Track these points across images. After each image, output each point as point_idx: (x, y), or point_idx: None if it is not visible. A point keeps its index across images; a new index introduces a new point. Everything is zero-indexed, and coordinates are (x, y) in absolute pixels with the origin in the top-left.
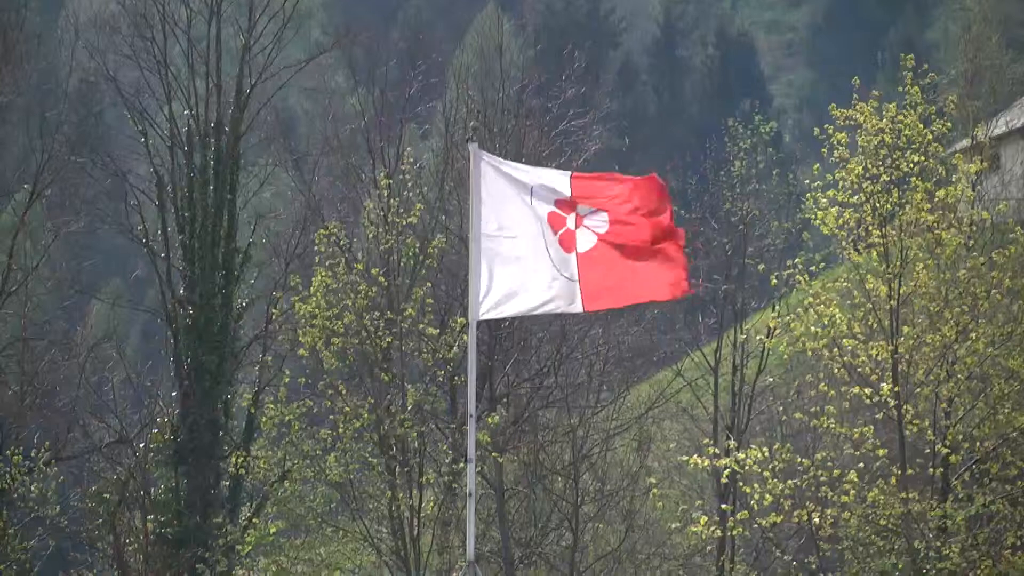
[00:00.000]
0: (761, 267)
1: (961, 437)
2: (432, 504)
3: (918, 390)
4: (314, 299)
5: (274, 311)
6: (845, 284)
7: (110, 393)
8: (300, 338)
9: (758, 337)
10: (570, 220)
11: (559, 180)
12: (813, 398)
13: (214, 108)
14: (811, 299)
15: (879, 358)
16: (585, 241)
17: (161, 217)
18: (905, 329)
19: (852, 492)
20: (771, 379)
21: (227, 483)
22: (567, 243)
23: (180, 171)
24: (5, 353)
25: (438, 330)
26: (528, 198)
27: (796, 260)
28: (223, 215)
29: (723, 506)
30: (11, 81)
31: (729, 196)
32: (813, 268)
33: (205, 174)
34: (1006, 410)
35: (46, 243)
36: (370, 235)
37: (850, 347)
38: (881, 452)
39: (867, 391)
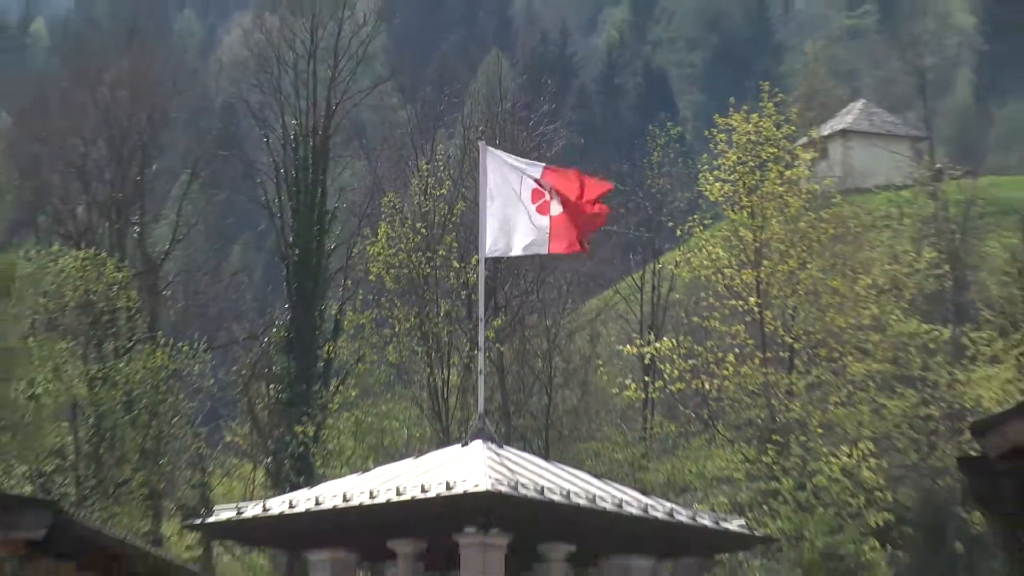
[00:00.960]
0: (670, 223)
1: (801, 332)
2: (456, 377)
3: (774, 301)
4: (379, 243)
5: (352, 251)
6: (726, 233)
7: (244, 305)
8: (370, 268)
9: (669, 267)
10: (546, 194)
11: (537, 168)
12: (705, 307)
13: (311, 118)
14: (704, 242)
15: (747, 281)
16: (554, 209)
17: (277, 190)
18: (765, 262)
19: (731, 368)
20: (678, 295)
21: (322, 364)
22: (543, 209)
23: (289, 160)
24: (175, 280)
25: (460, 264)
26: (519, 178)
27: (694, 217)
28: (318, 188)
29: (646, 378)
30: (178, 103)
31: (650, 175)
32: (705, 223)
33: (306, 162)
34: (831, 314)
35: (201, 207)
36: (415, 201)
37: (728, 273)
38: (750, 342)
39: (740, 302)
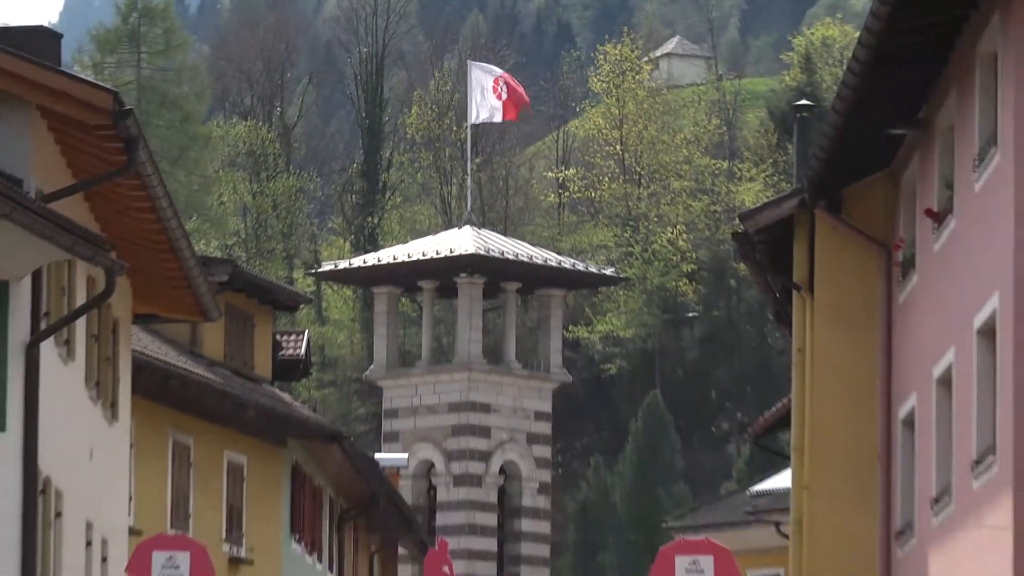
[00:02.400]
0: (573, 104)
1: (645, 164)
2: (455, 191)
3: (629, 147)
4: (412, 116)
5: (398, 121)
6: (603, 109)
7: (338, 151)
8: (407, 131)
9: (573, 128)
10: (500, 87)
11: (496, 72)
12: (592, 151)
13: (376, 46)
14: (591, 115)
15: (614, 135)
16: (503, 96)
17: (356, 90)
18: (624, 125)
19: (606, 183)
20: (576, 144)
21: (381, 183)
22: (498, 96)
23: (364, 70)
24: (299, 139)
25: (456, 128)
26: (488, 77)
27: (585, 102)
28: (379, 88)
29: (559, 190)
30: (301, 40)
31: (562, 77)
32: (592, 105)
33: (372, 73)
34: (661, 154)
35: (313, 99)
36: (431, 93)
37: (604, 132)
38: (616, 170)
39: (609, 147)
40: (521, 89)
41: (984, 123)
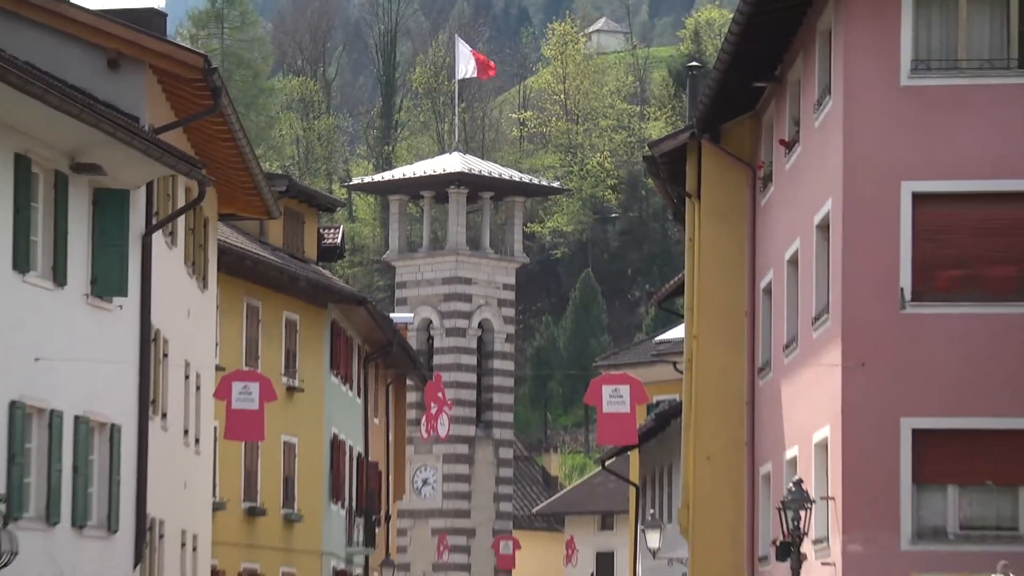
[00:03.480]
0: (531, 65)
1: (581, 108)
2: (449, 127)
3: (571, 95)
4: (416, 73)
5: (407, 78)
6: (551, 71)
7: (366, 95)
8: (414, 84)
9: (531, 84)
10: (471, 53)
11: (469, 48)
12: (545, 99)
13: (390, 22)
14: (543, 75)
15: (556, 88)
16: (477, 58)
17: (377, 55)
18: (565, 82)
19: (553, 122)
20: (533, 93)
21: (396, 118)
22: (478, 58)
23: (381, 41)
24: (336, 92)
25: (448, 81)
26: (467, 49)
27: (539, 63)
28: (392, 54)
29: (521, 127)
30: (334, 13)
31: (523, 46)
32: (543, 67)
33: (387, 44)
34: (593, 101)
35: (347, 59)
36: (430, 57)
37: (552, 86)
38: (561, 113)
39: (554, 96)
40: (489, 62)
41: (821, 79)
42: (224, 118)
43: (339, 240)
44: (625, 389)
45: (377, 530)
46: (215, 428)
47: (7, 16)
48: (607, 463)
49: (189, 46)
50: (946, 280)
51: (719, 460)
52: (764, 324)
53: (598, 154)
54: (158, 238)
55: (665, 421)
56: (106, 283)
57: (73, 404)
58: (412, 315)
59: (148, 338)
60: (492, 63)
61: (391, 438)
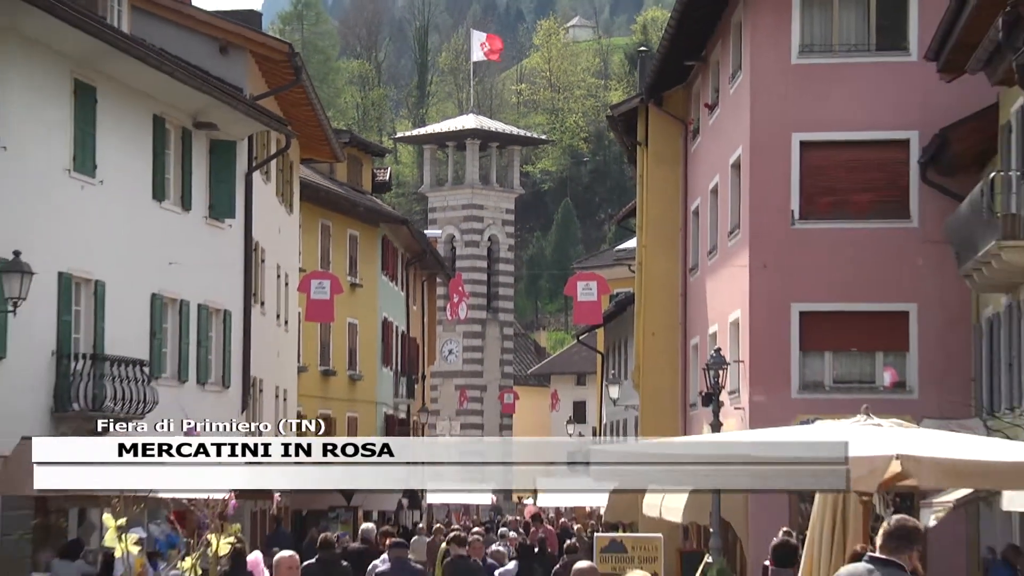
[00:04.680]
0: (527, 51)
1: (563, 82)
2: (467, 95)
3: (553, 72)
4: (443, 57)
5: (436, 61)
6: (539, 55)
7: (407, 72)
8: (440, 65)
9: (525, 63)
10: (484, 44)
11: (483, 35)
12: (536, 75)
13: (423, 19)
14: (535, 58)
15: (543, 67)
16: (486, 46)
17: (415, 44)
18: (550, 62)
19: (548, 89)
20: (529, 70)
21: (429, 89)
22: (489, 43)
23: (415, 36)
24: (386, 73)
25: (467, 62)
26: (479, 37)
27: (531, 49)
28: (427, 43)
29: (519, 89)
30: (382, 15)
31: (518, 35)
32: (533, 53)
33: (421, 38)
34: (574, 78)
35: (391, 48)
36: (452, 44)
37: (540, 66)
38: (548, 84)
39: (540, 74)
40: (496, 46)
41: (735, 59)
42: (303, 89)
43: (387, 178)
44: (594, 284)
45: (416, 386)
46: (299, 313)
47: (145, 15)
48: (581, 337)
49: (278, 36)
50: (824, 204)
51: (661, 335)
52: (693, 237)
53: (574, 115)
54: (257, 176)
55: (622, 307)
56: (220, 208)
57: (196, 295)
58: (440, 231)
59: (250, 248)
60: (501, 42)
61: (425, 320)
